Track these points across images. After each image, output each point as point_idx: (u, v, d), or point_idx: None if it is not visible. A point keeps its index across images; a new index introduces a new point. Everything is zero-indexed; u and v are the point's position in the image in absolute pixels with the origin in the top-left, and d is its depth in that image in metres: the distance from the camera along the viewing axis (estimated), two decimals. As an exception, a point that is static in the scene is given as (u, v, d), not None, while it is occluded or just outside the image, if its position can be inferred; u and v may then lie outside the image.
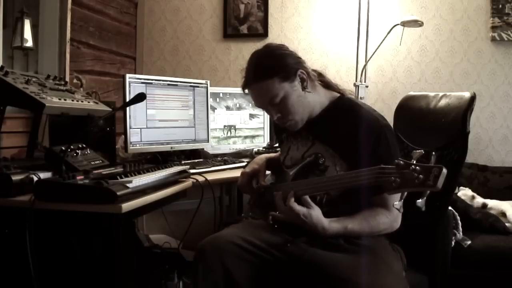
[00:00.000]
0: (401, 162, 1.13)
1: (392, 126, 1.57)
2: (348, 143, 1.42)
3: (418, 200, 1.10)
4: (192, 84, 2.45)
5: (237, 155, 2.61)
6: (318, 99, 1.52)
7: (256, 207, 1.61)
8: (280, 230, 1.46)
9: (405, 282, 1.34)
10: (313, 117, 1.52)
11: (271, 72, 1.43)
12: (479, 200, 2.56)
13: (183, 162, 2.20)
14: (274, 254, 1.40)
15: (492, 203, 2.55)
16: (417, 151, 1.16)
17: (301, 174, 1.48)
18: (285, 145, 1.64)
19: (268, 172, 1.68)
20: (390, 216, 1.41)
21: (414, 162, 1.12)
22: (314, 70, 1.54)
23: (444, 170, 1.07)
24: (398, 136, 1.80)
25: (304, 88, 1.47)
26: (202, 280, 1.35)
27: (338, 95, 1.56)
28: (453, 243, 2.18)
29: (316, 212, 1.34)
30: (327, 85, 1.57)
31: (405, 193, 1.15)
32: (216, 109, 2.62)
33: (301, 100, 1.47)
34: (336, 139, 1.47)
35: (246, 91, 1.50)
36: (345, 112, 1.49)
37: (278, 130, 1.71)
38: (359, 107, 1.50)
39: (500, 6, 3.01)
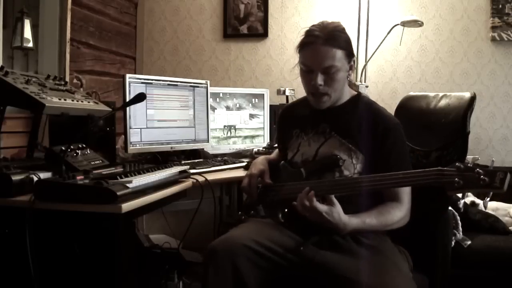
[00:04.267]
0: (462, 166, 1.19)
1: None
2: (366, 137, 1.48)
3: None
4: (192, 84, 2.45)
5: (237, 155, 2.61)
6: (346, 90, 1.60)
7: (263, 206, 1.60)
8: (290, 228, 1.47)
9: (413, 284, 1.35)
10: (336, 106, 1.58)
11: (343, 45, 1.50)
12: (470, 198, 2.56)
13: (183, 162, 2.19)
14: (285, 256, 1.40)
15: (484, 204, 2.56)
16: (473, 156, 1.22)
17: (316, 173, 1.50)
18: (295, 142, 1.64)
19: None
20: (403, 209, 1.45)
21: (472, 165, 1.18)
22: None
23: (509, 175, 1.13)
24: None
25: (349, 75, 1.55)
26: (212, 281, 1.34)
27: (356, 93, 1.64)
28: (453, 243, 2.17)
29: (337, 209, 1.35)
30: (350, 82, 1.65)
31: (466, 194, 1.21)
32: (216, 109, 2.62)
33: (343, 82, 1.55)
34: (354, 133, 1.51)
35: (305, 48, 1.52)
36: (364, 108, 1.56)
37: (287, 126, 1.70)
38: (376, 105, 1.60)
39: (500, 6, 3.02)
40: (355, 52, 1.56)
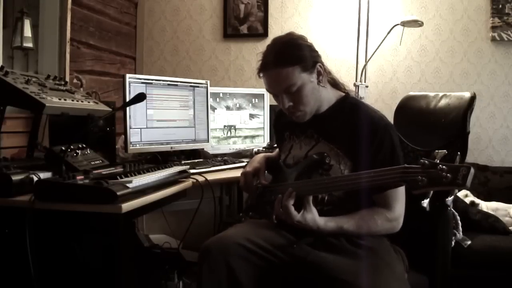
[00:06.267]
0: (427, 162, 1.14)
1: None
2: (353, 142, 1.43)
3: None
4: (192, 84, 2.45)
5: (237, 155, 2.61)
6: (327, 95, 1.54)
7: (258, 206, 1.61)
8: (284, 229, 1.46)
9: (406, 285, 1.35)
10: (320, 113, 1.53)
11: (294, 60, 1.44)
12: (470, 198, 2.57)
13: (183, 162, 2.19)
14: (278, 255, 1.40)
15: (485, 204, 2.56)
16: (440, 151, 1.16)
17: (305, 173, 1.48)
18: (287, 144, 1.64)
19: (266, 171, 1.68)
20: (391, 216, 1.41)
21: (438, 161, 1.13)
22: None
23: (472, 170, 1.09)
24: (398, 136, 1.80)
25: (319, 82, 1.49)
26: (206, 280, 1.35)
27: (344, 94, 1.58)
28: (453, 243, 2.17)
29: (311, 215, 1.35)
30: (335, 83, 1.59)
31: (431, 192, 1.15)
32: (216, 109, 2.62)
33: (314, 93, 1.48)
34: (341, 138, 1.48)
35: (261, 75, 1.50)
36: (350, 111, 1.51)
37: (280, 128, 1.70)
38: (364, 107, 1.52)
39: (500, 6, 3.02)
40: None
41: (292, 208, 1.34)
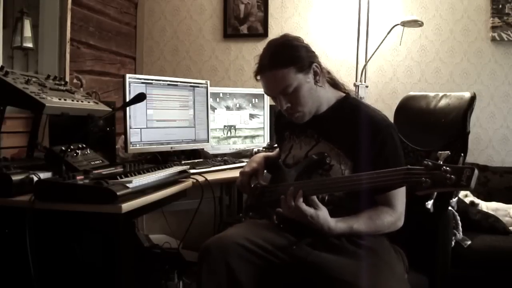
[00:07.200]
0: (430, 163, 1.14)
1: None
2: (354, 142, 1.43)
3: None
4: (192, 84, 2.45)
5: (237, 155, 2.61)
6: (326, 95, 1.54)
7: (258, 206, 1.61)
8: (285, 229, 1.46)
9: (407, 285, 1.35)
10: (319, 114, 1.53)
11: (288, 61, 1.44)
12: (470, 198, 2.57)
13: (183, 162, 2.19)
14: (278, 255, 1.40)
15: (485, 204, 2.56)
16: (444, 152, 1.16)
17: (305, 173, 1.48)
18: (287, 144, 1.64)
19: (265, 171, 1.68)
20: (394, 215, 1.42)
21: (442, 163, 1.13)
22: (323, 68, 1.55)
23: (476, 171, 1.08)
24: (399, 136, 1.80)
25: (316, 82, 1.48)
26: (206, 280, 1.35)
27: (344, 94, 1.58)
28: (453, 243, 2.17)
29: (323, 213, 1.35)
30: (334, 83, 1.59)
31: (435, 193, 1.15)
32: (216, 109, 2.62)
33: (312, 93, 1.48)
34: (341, 138, 1.47)
35: (258, 77, 1.50)
36: (351, 111, 1.51)
37: (280, 127, 1.70)
38: (365, 107, 1.52)
39: (500, 6, 3.02)
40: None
41: (304, 204, 1.34)
